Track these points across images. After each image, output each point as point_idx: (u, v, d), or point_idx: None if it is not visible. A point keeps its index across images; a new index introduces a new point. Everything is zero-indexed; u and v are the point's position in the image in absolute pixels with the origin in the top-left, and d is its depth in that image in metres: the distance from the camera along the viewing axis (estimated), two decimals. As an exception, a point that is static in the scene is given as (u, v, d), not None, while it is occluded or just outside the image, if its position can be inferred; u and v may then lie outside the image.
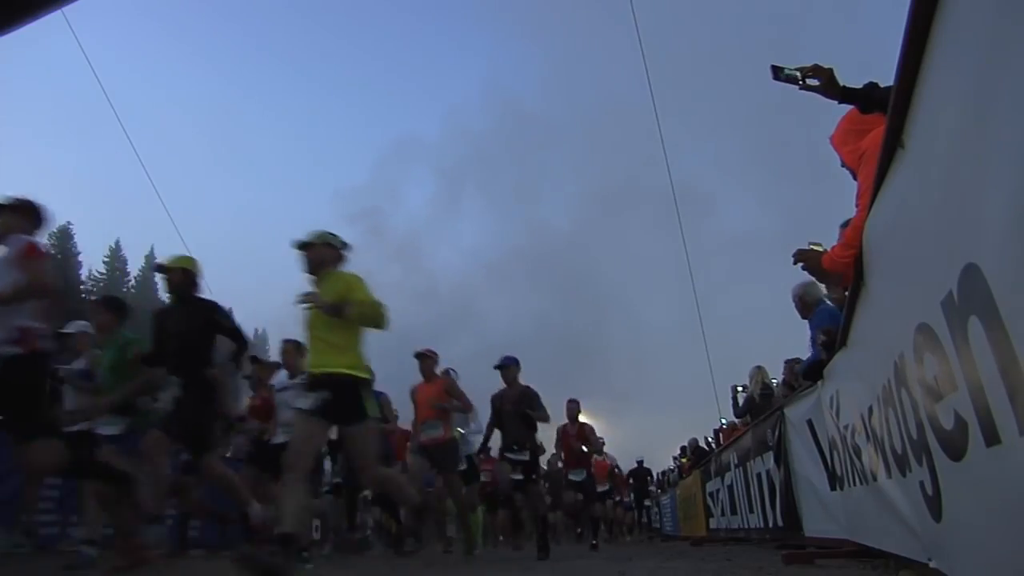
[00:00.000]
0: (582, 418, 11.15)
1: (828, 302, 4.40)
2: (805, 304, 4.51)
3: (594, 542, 7.29)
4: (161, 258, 3.93)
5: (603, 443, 10.81)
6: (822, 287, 4.25)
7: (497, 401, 5.44)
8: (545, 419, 5.37)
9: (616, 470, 11.34)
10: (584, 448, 7.36)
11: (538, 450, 5.42)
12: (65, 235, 43.55)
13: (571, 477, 7.44)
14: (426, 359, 5.35)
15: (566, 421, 7.42)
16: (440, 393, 5.19)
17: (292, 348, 5.02)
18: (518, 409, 5.23)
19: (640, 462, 13.81)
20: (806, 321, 4.52)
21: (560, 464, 8.37)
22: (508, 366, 5.44)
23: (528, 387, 5.37)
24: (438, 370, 5.43)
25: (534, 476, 5.26)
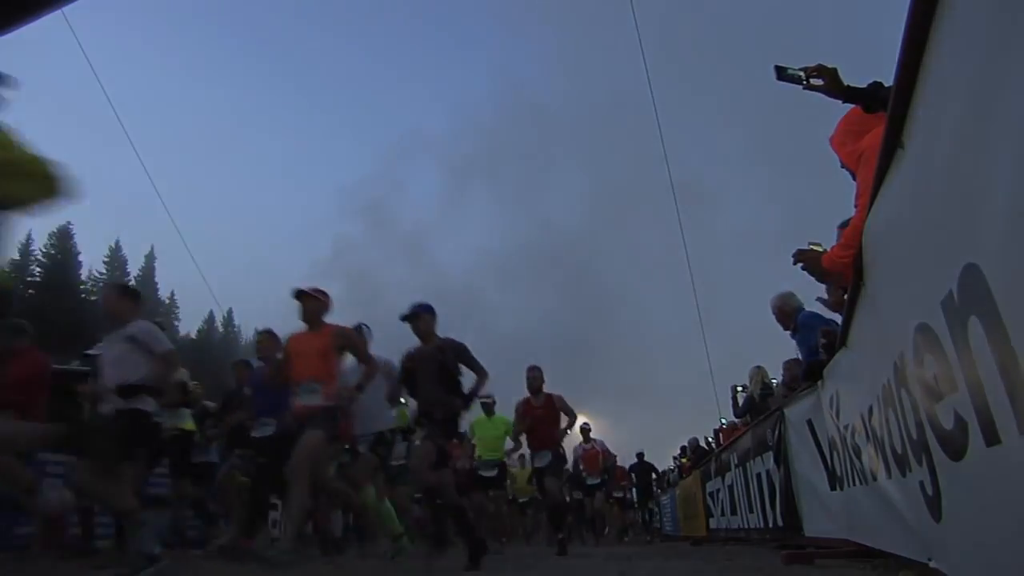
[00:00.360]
0: (588, 422, 10.22)
1: (807, 309, 4.44)
2: (785, 314, 4.52)
3: (560, 535, 5.89)
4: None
5: (589, 428, 9.87)
6: (820, 290, 4.26)
7: (407, 361, 4.17)
8: (482, 376, 4.08)
9: (606, 454, 10.20)
10: (568, 431, 6.12)
11: (456, 418, 4.07)
12: (65, 235, 43.57)
13: (536, 464, 6.18)
14: (309, 300, 3.82)
15: (526, 395, 6.13)
16: (326, 348, 3.71)
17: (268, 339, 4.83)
18: (440, 368, 3.98)
19: (641, 455, 12.31)
20: (789, 332, 4.54)
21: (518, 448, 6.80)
22: (419, 315, 4.09)
23: (449, 340, 4.11)
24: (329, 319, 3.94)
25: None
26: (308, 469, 3.34)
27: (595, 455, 9.65)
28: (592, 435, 9.88)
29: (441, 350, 4.05)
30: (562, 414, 6.05)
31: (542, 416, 5.97)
